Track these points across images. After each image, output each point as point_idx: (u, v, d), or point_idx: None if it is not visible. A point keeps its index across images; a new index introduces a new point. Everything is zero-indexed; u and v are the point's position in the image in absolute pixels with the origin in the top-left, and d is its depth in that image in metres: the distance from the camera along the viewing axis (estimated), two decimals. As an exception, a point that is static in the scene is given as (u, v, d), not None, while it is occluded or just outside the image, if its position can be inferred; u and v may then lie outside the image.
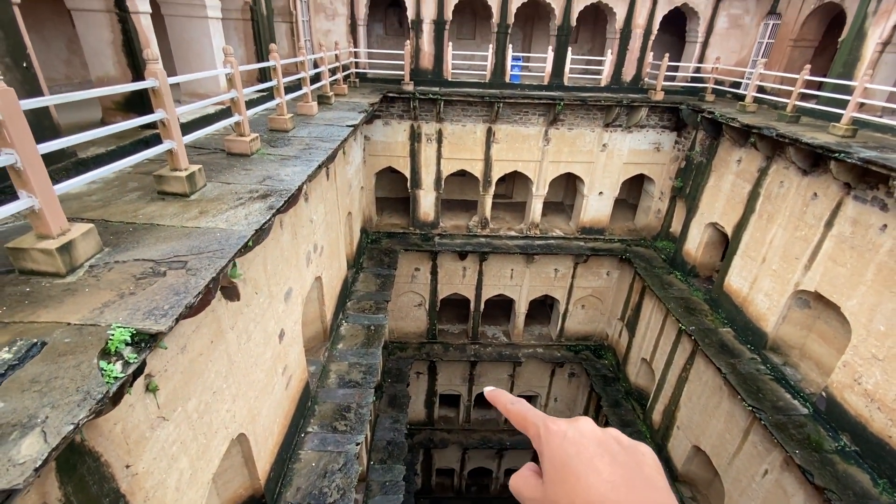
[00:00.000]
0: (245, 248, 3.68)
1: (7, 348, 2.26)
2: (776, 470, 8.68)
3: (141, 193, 4.36)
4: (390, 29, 16.51)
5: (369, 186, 14.91)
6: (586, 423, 0.55)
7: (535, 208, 15.69)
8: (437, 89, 13.43)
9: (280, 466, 6.98)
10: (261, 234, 4.00)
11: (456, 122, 14.09)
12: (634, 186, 16.78)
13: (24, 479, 1.69)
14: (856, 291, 8.02)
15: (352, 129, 8.13)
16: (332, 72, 10.74)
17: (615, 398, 15.33)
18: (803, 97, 10.75)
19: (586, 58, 14.73)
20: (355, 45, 13.87)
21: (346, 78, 12.70)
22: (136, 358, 2.43)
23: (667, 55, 13.38)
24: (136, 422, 3.61)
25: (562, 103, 13.48)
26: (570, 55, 13.95)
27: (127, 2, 5.51)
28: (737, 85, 14.24)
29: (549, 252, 15.54)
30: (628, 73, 14.65)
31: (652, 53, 14.38)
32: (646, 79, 14.73)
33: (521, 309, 17.14)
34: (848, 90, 9.87)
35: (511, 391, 18.77)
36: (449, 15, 13.55)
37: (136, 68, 5.85)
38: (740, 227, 11.33)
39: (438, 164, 14.69)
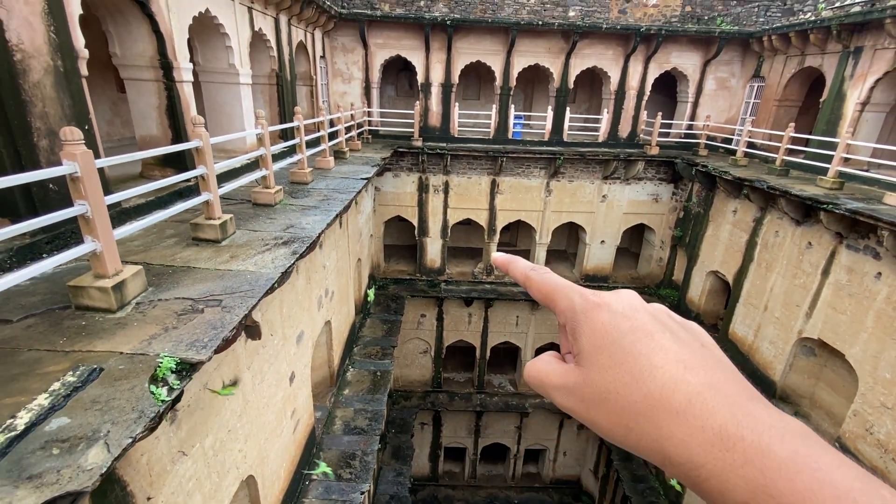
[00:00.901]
0: (271, 289, 4.02)
1: (71, 372, 2.56)
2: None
3: (177, 239, 4.79)
4: (401, 91, 17.80)
5: (378, 234, 15.46)
6: (631, 294, 0.47)
7: (540, 256, 16.08)
8: (444, 145, 14.31)
9: (285, 514, 6.89)
10: (284, 276, 4.36)
11: (462, 174, 14.86)
12: (635, 235, 17.23)
13: (91, 483, 1.94)
14: (858, 339, 8.12)
15: (365, 181, 8.73)
16: (348, 129, 11.60)
17: (626, 452, 14.83)
18: (791, 152, 11.38)
19: (584, 116, 15.73)
20: (369, 106, 14.96)
21: (360, 135, 13.62)
22: (179, 384, 2.72)
23: (660, 114, 14.29)
24: (160, 454, 3.79)
25: (562, 157, 14.26)
26: (568, 114, 14.93)
27: (174, 72, 6.26)
28: (728, 140, 15.03)
29: (554, 299, 15.70)
30: (624, 130, 15.55)
31: (646, 112, 15.34)
32: (641, 135, 15.61)
33: (528, 357, 17.06)
34: (833, 146, 10.49)
35: (518, 444, 18.28)
36: (455, 79, 14.71)
37: (176, 129, 6.51)
38: (741, 275, 11.58)
39: (445, 213, 15.31)
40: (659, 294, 15.78)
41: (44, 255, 4.19)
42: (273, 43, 9.64)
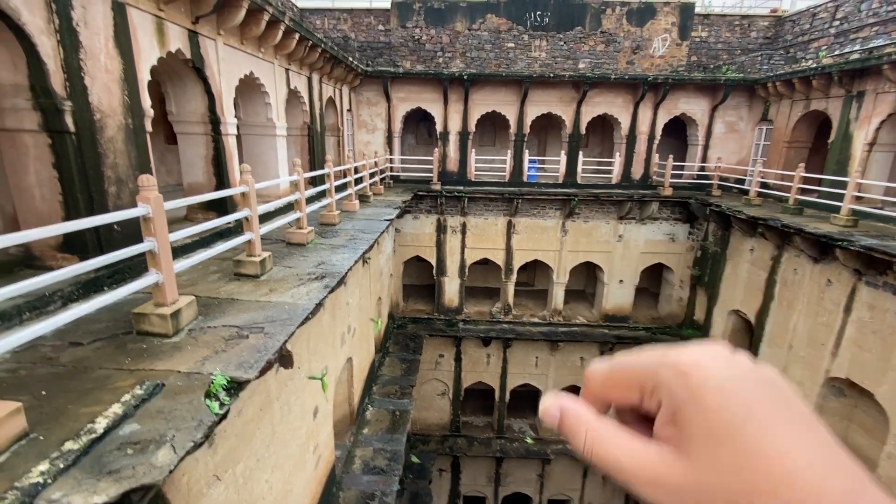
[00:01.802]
0: (307, 319, 4.37)
1: (139, 387, 2.90)
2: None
3: (220, 275, 5.24)
4: (420, 139, 18.83)
5: (398, 274, 15.88)
6: (726, 352, 0.39)
7: (558, 295, 16.17)
8: (461, 187, 14.95)
9: (305, 553, 6.85)
10: (318, 308, 4.72)
11: (479, 215, 15.38)
12: (654, 275, 17.21)
13: (162, 477, 2.22)
14: (886, 377, 7.92)
15: (388, 222, 9.24)
16: (372, 175, 12.34)
17: None
18: (803, 191, 11.55)
19: (597, 159, 16.30)
20: (391, 153, 15.87)
21: (382, 180, 14.40)
22: (228, 400, 3.02)
23: (671, 156, 14.73)
24: (198, 476, 4.02)
25: (576, 199, 14.69)
26: (581, 158, 15.51)
27: (221, 126, 7.00)
28: (741, 181, 15.28)
29: (574, 339, 15.64)
30: (637, 172, 16.00)
31: (658, 155, 15.82)
32: (654, 177, 16.00)
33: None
34: (844, 185, 10.64)
35: (540, 493, 17.51)
36: (472, 127, 15.58)
37: (220, 176, 7.17)
38: (762, 313, 11.46)
39: (462, 253, 15.71)
40: (681, 335, 15.55)
41: (104, 289, 4.67)
42: (306, 99, 10.58)
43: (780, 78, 13.15)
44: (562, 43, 15.77)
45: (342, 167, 9.53)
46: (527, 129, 15.57)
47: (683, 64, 15.84)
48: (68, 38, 4.35)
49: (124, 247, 3.59)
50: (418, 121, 18.27)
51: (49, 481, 2.12)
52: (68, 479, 2.16)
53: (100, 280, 4.65)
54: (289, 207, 8.00)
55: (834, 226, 9.65)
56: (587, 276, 18.62)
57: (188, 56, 6.27)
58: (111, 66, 4.92)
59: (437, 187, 14.76)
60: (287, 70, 9.52)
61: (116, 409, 2.68)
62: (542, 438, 16.85)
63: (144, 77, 5.51)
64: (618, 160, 15.65)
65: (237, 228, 6.87)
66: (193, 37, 6.36)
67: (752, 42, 16.73)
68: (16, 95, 4.19)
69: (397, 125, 15.80)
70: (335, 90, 12.95)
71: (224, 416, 3.09)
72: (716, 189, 14.78)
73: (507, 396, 16.75)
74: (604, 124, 17.79)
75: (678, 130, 16.88)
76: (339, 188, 10.92)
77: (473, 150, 15.67)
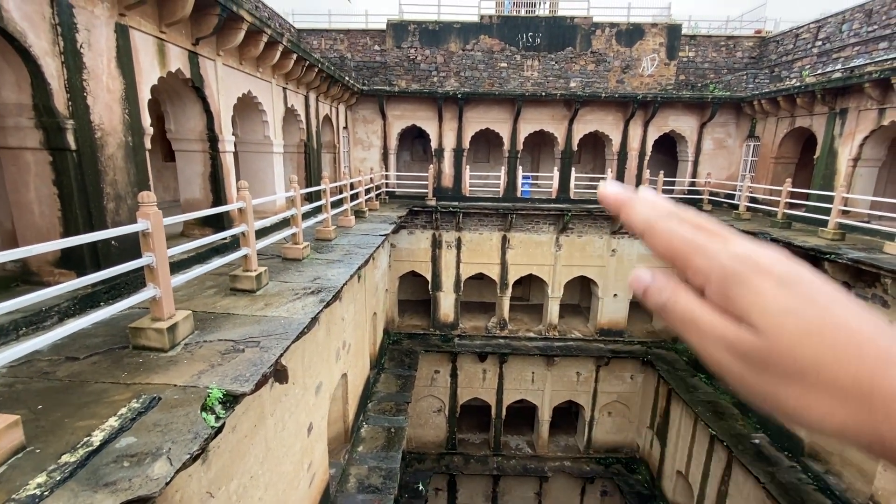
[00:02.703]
0: (302, 333, 4.40)
1: (135, 400, 2.92)
2: None
3: (216, 290, 5.27)
4: (416, 155, 19.07)
5: (393, 289, 15.88)
6: (773, 252, 0.40)
7: (552, 310, 16.21)
8: (456, 203, 15.11)
9: (298, 574, 6.72)
10: (313, 322, 4.75)
11: (473, 230, 15.51)
12: (648, 289, 17.27)
13: (158, 489, 2.24)
14: (878, 388, 7.97)
15: (383, 237, 9.32)
16: (367, 191, 12.47)
17: (653, 519, 13.95)
18: (791, 206, 11.78)
19: (589, 175, 16.56)
20: (386, 170, 16.06)
21: (378, 196, 14.53)
22: (224, 413, 3.04)
23: (661, 172, 15.01)
24: (191, 493, 3.99)
25: (569, 214, 14.88)
26: (573, 173, 15.76)
27: (219, 144, 7.11)
28: (731, 196, 15.56)
29: (570, 354, 15.63)
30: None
31: (648, 170, 16.11)
32: (646, 192, 16.21)
33: (545, 416, 16.60)
34: (831, 199, 10.88)
35: (538, 512, 17.20)
36: (466, 144, 15.83)
37: (217, 193, 7.25)
38: (755, 326, 11.52)
39: (458, 268, 15.78)
40: (676, 349, 15.59)
41: (101, 304, 4.69)
42: (303, 117, 10.76)
43: (766, 96, 13.54)
44: (553, 63, 16.18)
45: (338, 183, 9.64)
46: (520, 146, 15.84)
47: (672, 82, 16.27)
48: (72, 60, 4.47)
49: (121, 262, 3.64)
50: (413, 138, 18.53)
51: (46, 494, 2.14)
52: (65, 492, 2.18)
53: (97, 295, 4.68)
54: (285, 223, 8.07)
55: (822, 239, 9.83)
56: (582, 291, 18.70)
57: (188, 76, 6.41)
58: (113, 85, 5.04)
59: (433, 203, 14.91)
60: (284, 89, 9.71)
61: (113, 422, 2.70)
62: (540, 455, 16.68)
63: (145, 96, 5.63)
64: (609, 176, 15.91)
65: (233, 244, 6.93)
66: (193, 57, 6.51)
67: (738, 61, 17.24)
68: (19, 114, 4.28)
69: (393, 142, 16.03)
70: (332, 108, 13.17)
71: (220, 429, 3.11)
72: (706, 204, 15.03)
73: (504, 413, 16.62)
74: (595, 141, 18.13)
75: (668, 147, 17.23)
76: (336, 204, 11.03)
77: (468, 167, 15.89)
